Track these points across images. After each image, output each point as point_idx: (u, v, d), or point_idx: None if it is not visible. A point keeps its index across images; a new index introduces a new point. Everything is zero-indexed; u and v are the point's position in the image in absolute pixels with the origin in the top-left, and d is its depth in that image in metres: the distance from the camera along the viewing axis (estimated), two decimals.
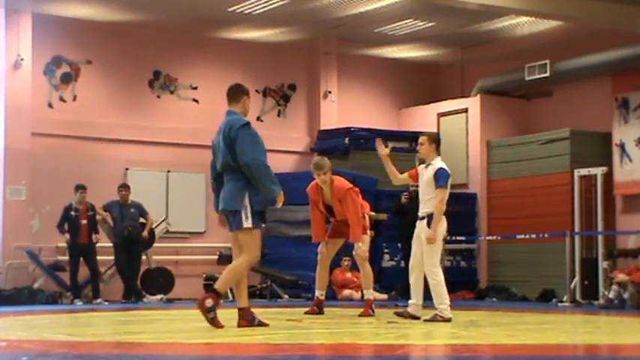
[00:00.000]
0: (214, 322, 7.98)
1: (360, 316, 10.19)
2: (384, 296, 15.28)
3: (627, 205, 16.09)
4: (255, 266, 16.13)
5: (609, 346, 7.33)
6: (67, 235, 14.42)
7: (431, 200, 9.39)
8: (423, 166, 9.67)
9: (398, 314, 9.62)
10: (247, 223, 8.07)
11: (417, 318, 9.38)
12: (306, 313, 10.20)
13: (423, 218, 9.43)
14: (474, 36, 17.50)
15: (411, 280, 9.52)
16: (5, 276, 14.86)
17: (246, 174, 8.06)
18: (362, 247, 10.34)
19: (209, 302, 7.96)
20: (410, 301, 9.54)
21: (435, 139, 9.69)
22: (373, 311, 10.32)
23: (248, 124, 8.17)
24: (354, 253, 10.56)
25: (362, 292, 11.07)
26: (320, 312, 10.36)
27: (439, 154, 9.68)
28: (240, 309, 8.27)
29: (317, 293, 10.61)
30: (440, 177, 9.38)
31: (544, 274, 16.17)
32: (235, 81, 18.00)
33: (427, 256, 9.36)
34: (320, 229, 10.44)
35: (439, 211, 9.34)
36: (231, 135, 8.12)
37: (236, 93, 8.44)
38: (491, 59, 18.05)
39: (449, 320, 9.22)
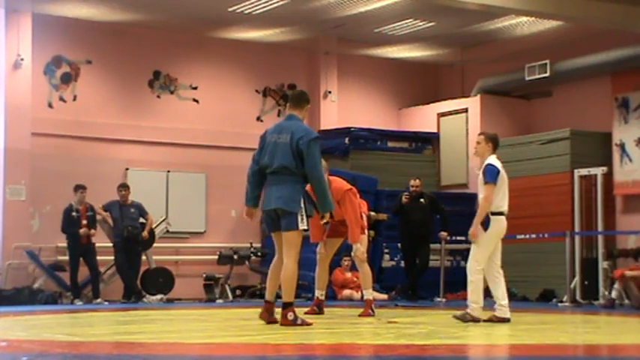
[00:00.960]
0: (305, 323, 8.53)
1: (360, 316, 10.18)
2: (384, 296, 15.27)
3: (627, 205, 16.09)
4: (255, 266, 16.17)
5: (609, 346, 7.33)
6: (86, 230, 14.43)
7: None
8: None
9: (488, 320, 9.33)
10: (303, 225, 8.52)
11: (507, 321, 9.27)
12: (306, 313, 10.20)
13: None
14: (474, 36, 17.50)
15: (489, 280, 9.43)
16: (5, 276, 14.86)
17: (313, 183, 8.52)
18: (360, 248, 10.30)
19: (291, 315, 8.48)
20: (499, 303, 9.38)
21: (492, 139, 9.50)
22: (373, 311, 10.33)
23: (318, 137, 8.64)
24: (352, 254, 10.55)
25: (362, 292, 11.06)
26: (320, 312, 10.35)
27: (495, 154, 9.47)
28: (267, 302, 8.78)
29: (317, 293, 10.61)
30: (486, 173, 9.23)
31: (544, 274, 16.15)
32: (235, 81, 18.21)
33: (472, 253, 9.28)
34: (318, 230, 10.41)
35: (482, 208, 9.22)
36: (301, 143, 8.45)
37: (300, 100, 8.86)
38: (491, 59, 18.06)
39: (478, 321, 9.11)
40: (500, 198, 9.28)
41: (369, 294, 10.48)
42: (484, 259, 9.28)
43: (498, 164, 9.35)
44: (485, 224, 9.23)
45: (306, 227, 8.54)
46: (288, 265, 8.53)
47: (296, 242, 8.57)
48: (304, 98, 8.89)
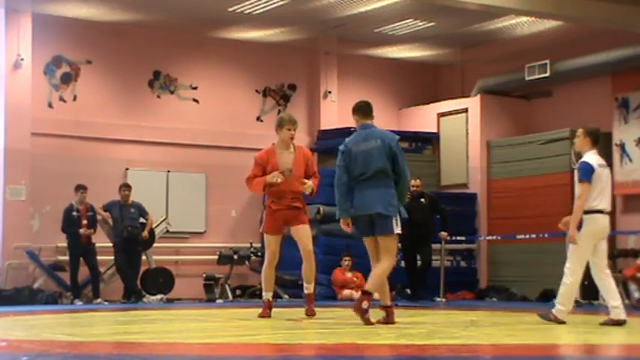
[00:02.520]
0: (368, 322, 8.51)
1: (307, 315, 9.65)
2: None
3: (627, 205, 16.09)
4: (255, 266, 16.15)
5: (609, 346, 7.33)
6: (86, 230, 14.43)
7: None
8: None
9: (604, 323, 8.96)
10: (397, 229, 8.70)
11: (622, 323, 8.81)
12: (260, 316, 9.70)
13: None
14: (474, 36, 17.51)
15: (597, 282, 9.12)
16: (5, 276, 14.86)
17: (402, 181, 8.83)
18: (310, 244, 9.71)
19: (365, 304, 8.47)
20: (611, 304, 9.00)
21: (591, 132, 9.13)
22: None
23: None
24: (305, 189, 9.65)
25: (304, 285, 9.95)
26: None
27: (595, 148, 9.12)
28: (386, 307, 8.83)
29: (267, 295, 9.88)
30: (580, 170, 8.93)
31: (544, 274, 16.14)
32: (235, 81, 18.18)
33: (568, 255, 8.98)
34: (278, 223, 9.70)
35: (576, 207, 8.90)
36: (393, 148, 8.87)
37: (369, 110, 9.18)
38: (491, 59, 18.06)
39: (562, 323, 8.86)
40: (595, 196, 8.88)
41: (311, 288, 9.86)
42: (579, 260, 8.92)
43: (595, 161, 8.99)
44: (579, 224, 8.89)
45: (400, 231, 8.72)
46: (384, 262, 8.72)
47: (393, 246, 8.81)
48: (371, 108, 9.21)
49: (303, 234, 9.71)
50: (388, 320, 8.72)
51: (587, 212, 8.88)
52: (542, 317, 9.09)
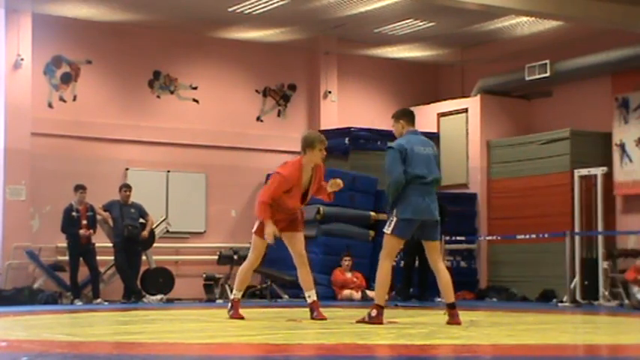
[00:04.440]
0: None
1: (314, 319, 9.33)
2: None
3: (627, 205, 16.09)
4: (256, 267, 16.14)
5: (609, 346, 7.33)
6: (85, 231, 14.39)
7: None
8: None
9: None
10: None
11: None
12: (232, 317, 9.45)
13: None
14: (474, 36, 17.51)
15: None
16: (5, 276, 14.86)
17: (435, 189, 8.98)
18: (303, 249, 9.54)
19: (459, 315, 8.87)
20: None
21: None
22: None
23: None
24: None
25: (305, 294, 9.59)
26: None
27: None
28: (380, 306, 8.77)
29: (238, 295, 9.67)
30: None
31: (544, 274, 16.16)
32: (235, 81, 18.16)
33: None
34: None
35: None
36: (434, 154, 9.05)
37: (414, 116, 9.22)
38: (491, 59, 18.06)
39: None
40: None
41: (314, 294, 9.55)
42: None
43: None
44: None
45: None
46: (443, 270, 8.86)
47: (439, 248, 9.20)
48: (414, 114, 9.29)
49: (298, 240, 9.48)
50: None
51: None
52: None
